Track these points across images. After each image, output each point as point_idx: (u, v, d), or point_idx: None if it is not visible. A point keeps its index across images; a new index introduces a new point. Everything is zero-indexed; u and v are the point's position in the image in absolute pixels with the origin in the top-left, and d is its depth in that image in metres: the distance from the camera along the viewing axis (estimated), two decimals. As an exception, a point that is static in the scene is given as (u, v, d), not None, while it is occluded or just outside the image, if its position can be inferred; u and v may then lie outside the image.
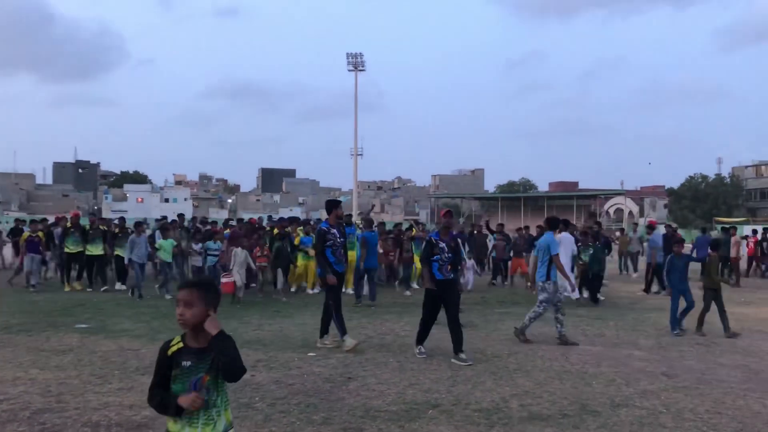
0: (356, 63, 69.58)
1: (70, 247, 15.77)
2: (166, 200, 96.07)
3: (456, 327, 8.33)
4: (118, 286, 15.97)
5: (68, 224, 16.25)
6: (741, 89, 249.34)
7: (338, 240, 9.11)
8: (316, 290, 15.12)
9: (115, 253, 16.16)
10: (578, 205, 75.73)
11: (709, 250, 11.41)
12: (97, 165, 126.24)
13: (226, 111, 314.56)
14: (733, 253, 19.91)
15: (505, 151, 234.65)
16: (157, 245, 14.92)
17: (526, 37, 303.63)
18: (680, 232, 19.05)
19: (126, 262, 15.60)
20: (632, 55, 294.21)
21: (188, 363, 3.08)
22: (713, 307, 10.51)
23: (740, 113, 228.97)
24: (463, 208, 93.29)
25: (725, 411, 6.24)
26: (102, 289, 15.57)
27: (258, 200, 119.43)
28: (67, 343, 9.11)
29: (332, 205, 9.45)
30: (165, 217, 22.62)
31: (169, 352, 3.12)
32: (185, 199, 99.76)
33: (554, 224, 10.69)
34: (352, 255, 13.87)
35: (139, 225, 16.19)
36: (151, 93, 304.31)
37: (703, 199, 76.40)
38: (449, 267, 8.52)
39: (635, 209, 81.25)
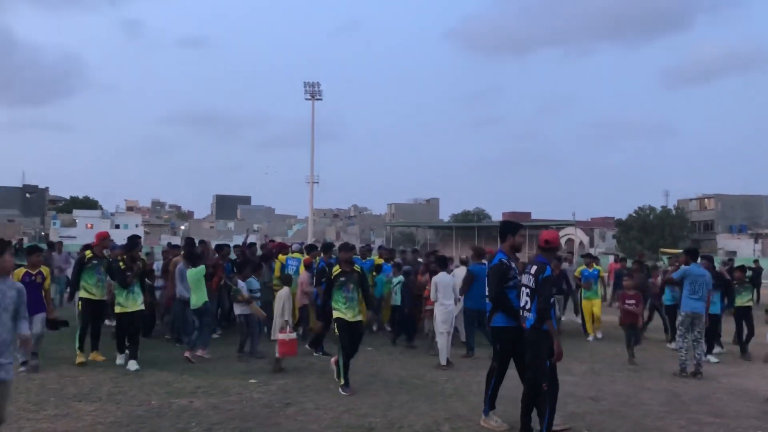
0: (313, 92, 70.15)
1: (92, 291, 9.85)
2: (117, 226, 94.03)
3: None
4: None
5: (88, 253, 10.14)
6: (686, 126, 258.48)
7: (518, 278, 6.58)
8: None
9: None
10: (530, 235, 77.12)
11: None
12: (46, 190, 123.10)
13: (184, 138, 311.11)
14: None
15: (460, 182, 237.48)
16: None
17: (483, 73, 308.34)
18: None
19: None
20: (584, 91, 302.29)
21: None
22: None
23: (685, 148, 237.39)
24: (418, 237, 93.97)
25: (642, 432, 6.59)
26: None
27: (212, 227, 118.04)
28: (3, 370, 8.97)
29: (511, 230, 6.73)
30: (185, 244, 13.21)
31: None
32: (137, 226, 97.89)
33: (696, 255, 10.36)
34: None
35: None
36: (111, 119, 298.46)
37: (650, 231, 78.45)
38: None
39: (585, 240, 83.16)
